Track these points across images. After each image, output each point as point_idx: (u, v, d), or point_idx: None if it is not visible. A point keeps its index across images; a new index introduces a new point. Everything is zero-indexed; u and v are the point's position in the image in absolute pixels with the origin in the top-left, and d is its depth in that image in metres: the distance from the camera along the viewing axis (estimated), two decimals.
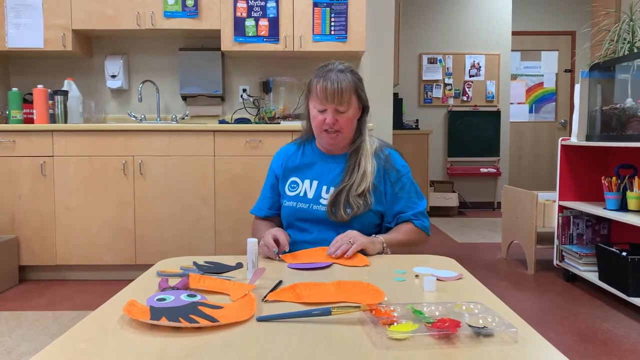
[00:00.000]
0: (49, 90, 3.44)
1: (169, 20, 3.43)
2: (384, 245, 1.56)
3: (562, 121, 6.94)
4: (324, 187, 1.66)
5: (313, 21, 3.44)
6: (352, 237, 1.47)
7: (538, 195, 3.41)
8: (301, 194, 1.68)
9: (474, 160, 6.39)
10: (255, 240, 1.30)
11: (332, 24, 3.44)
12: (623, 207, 2.87)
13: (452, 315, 0.94)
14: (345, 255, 1.42)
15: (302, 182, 1.69)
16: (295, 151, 1.77)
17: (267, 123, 3.55)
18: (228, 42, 3.45)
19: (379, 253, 1.54)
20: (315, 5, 3.43)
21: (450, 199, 5.92)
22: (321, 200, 1.65)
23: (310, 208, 1.65)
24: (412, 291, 1.18)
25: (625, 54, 2.94)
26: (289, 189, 1.71)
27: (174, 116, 3.78)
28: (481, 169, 6.33)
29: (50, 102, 3.42)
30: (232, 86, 3.83)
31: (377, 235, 1.59)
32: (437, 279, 1.22)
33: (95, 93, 3.80)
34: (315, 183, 1.67)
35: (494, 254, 4.07)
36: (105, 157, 3.21)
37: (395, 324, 0.91)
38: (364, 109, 1.68)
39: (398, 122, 5.66)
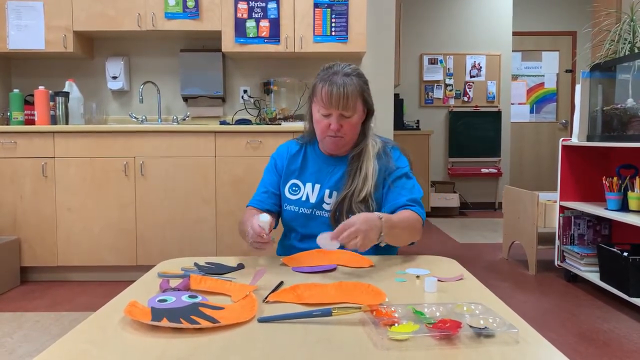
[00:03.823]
0: (50, 91, 3.44)
1: (170, 21, 3.43)
2: (382, 227, 1.36)
3: (563, 121, 6.94)
4: (327, 191, 1.63)
5: (314, 22, 3.44)
6: (358, 234, 1.30)
7: (539, 196, 3.41)
8: (303, 199, 1.65)
9: (475, 160, 6.38)
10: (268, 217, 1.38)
11: (333, 24, 3.44)
12: (624, 207, 2.87)
13: (453, 316, 0.94)
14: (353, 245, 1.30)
15: (304, 186, 1.66)
16: (297, 152, 1.72)
17: (268, 124, 3.55)
18: (229, 43, 3.46)
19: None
20: (315, 6, 3.44)
21: (452, 200, 5.92)
22: (324, 206, 1.62)
23: (313, 214, 1.63)
24: (413, 292, 1.18)
25: (626, 54, 2.94)
26: (289, 191, 1.68)
27: (175, 117, 3.78)
28: (482, 170, 6.32)
29: (51, 103, 3.43)
30: (233, 87, 3.84)
31: (377, 214, 1.39)
32: (438, 280, 1.22)
33: (96, 94, 3.80)
34: (317, 187, 1.64)
35: (495, 254, 4.07)
36: (106, 159, 3.21)
37: (396, 324, 0.91)
38: (369, 113, 1.64)
39: (399, 123, 5.67)
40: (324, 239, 1.34)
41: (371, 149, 1.64)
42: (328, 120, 1.56)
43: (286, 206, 1.67)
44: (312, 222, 1.62)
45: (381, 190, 1.63)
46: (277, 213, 1.71)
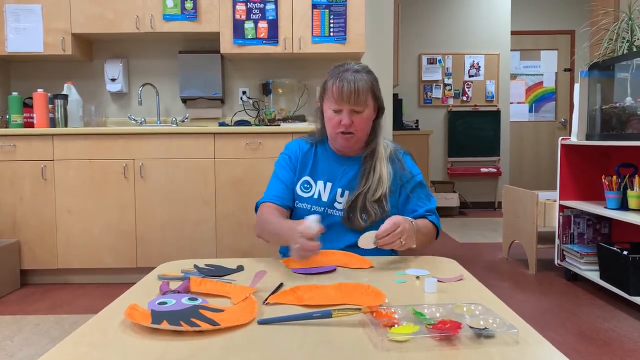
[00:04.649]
0: (49, 94, 3.44)
1: (168, 23, 3.43)
2: (413, 231, 1.45)
3: (562, 120, 6.94)
4: (339, 190, 1.63)
5: (312, 23, 3.44)
6: (403, 234, 1.38)
7: (538, 195, 3.41)
8: (315, 196, 1.64)
9: (475, 160, 6.39)
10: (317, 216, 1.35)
11: (331, 25, 3.44)
12: (624, 206, 2.87)
13: (453, 317, 0.94)
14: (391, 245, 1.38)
15: (316, 184, 1.65)
16: (309, 150, 1.71)
17: (267, 125, 3.56)
18: (227, 45, 3.46)
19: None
20: (314, 6, 3.44)
21: (451, 199, 5.92)
22: (336, 205, 1.62)
23: (325, 212, 1.62)
24: (413, 293, 1.18)
25: (625, 52, 2.95)
26: (301, 189, 1.66)
27: (174, 119, 3.78)
28: (481, 169, 6.33)
29: (50, 106, 3.42)
30: (232, 88, 3.84)
31: (412, 221, 1.47)
32: (438, 280, 1.22)
33: (95, 96, 3.80)
34: (329, 185, 1.64)
35: (495, 254, 4.07)
36: (105, 161, 3.21)
37: (396, 325, 0.91)
38: (379, 110, 1.65)
39: (398, 123, 5.67)
40: (365, 238, 1.37)
41: (383, 150, 1.65)
42: (339, 117, 1.57)
43: (298, 204, 1.66)
44: (324, 221, 1.60)
45: (397, 196, 1.64)
46: (291, 210, 1.68)
